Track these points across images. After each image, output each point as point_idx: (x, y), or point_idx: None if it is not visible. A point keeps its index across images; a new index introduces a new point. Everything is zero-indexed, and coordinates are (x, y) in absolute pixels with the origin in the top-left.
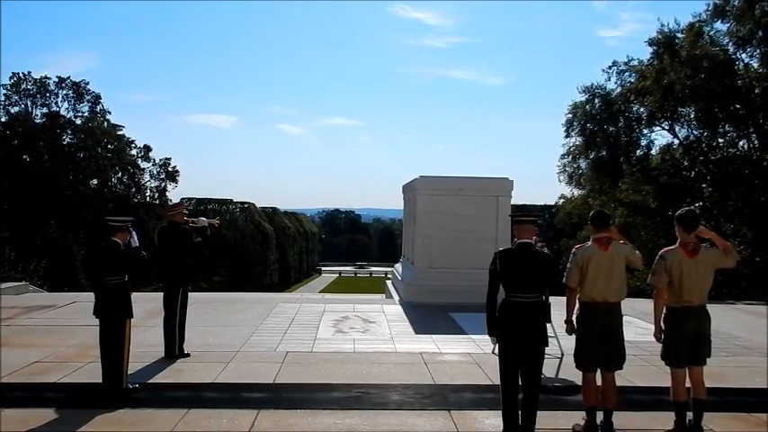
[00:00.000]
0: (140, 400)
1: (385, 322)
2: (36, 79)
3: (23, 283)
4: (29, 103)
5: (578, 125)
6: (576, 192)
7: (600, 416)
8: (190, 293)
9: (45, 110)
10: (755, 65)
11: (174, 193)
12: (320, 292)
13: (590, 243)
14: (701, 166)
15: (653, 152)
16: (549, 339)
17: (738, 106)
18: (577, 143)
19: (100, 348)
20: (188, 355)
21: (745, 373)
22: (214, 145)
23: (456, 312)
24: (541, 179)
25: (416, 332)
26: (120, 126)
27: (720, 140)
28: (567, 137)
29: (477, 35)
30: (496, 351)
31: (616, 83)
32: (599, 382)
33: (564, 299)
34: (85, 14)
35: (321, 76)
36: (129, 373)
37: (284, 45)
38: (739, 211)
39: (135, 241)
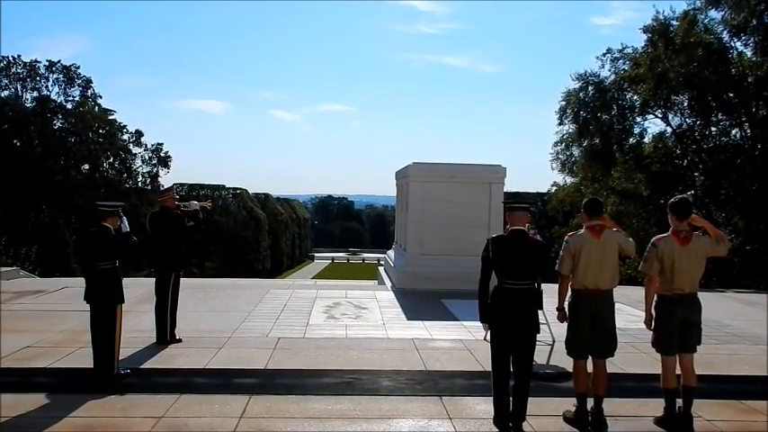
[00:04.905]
0: (131, 385)
1: (377, 308)
2: (26, 63)
3: (14, 268)
4: (19, 87)
5: (571, 113)
6: (569, 179)
7: (590, 402)
8: (181, 279)
9: (35, 94)
10: (749, 53)
11: (166, 179)
12: (313, 278)
13: (582, 231)
14: (694, 154)
15: (646, 140)
16: (541, 326)
17: (732, 95)
18: (570, 131)
19: (91, 334)
20: (179, 340)
21: (734, 360)
22: (206, 130)
23: (448, 299)
24: (534, 167)
25: (408, 318)
26: (111, 111)
27: (713, 129)
28: (560, 124)
29: (470, 21)
30: (488, 338)
31: (610, 70)
32: (590, 369)
33: (556, 286)
34: None
35: (314, 62)
36: (120, 358)
37: (277, 31)
38: (731, 199)
39: (125, 226)
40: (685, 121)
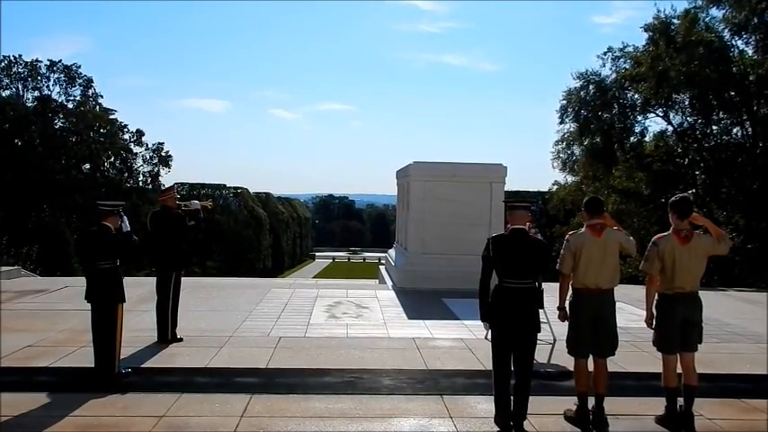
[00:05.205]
0: (133, 384)
1: (378, 308)
2: (27, 62)
3: (16, 267)
4: (20, 87)
5: (572, 112)
6: (570, 178)
7: (591, 401)
8: (182, 278)
9: (36, 93)
10: (750, 52)
11: (167, 178)
12: (314, 277)
13: (583, 230)
14: (695, 153)
15: (647, 139)
16: (542, 325)
17: (733, 93)
18: (571, 129)
19: (92, 333)
20: (180, 339)
21: (736, 359)
22: (207, 130)
23: (449, 298)
24: (535, 165)
25: (409, 317)
26: (112, 110)
27: (714, 128)
28: (561, 123)
29: (471, 20)
30: (489, 337)
31: (611, 69)
32: (591, 367)
33: (557, 285)
34: None
35: (314, 61)
36: (121, 357)
37: (277, 30)
38: (732, 198)
39: (126, 225)
40: (686, 120)
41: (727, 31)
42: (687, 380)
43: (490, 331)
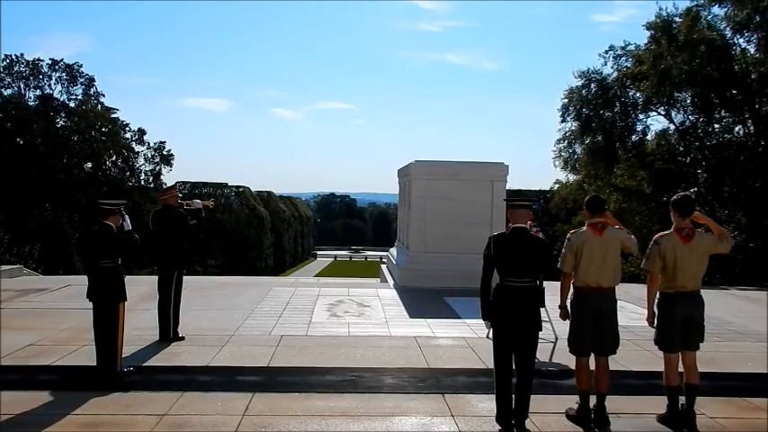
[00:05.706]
0: (134, 383)
1: (379, 306)
2: (29, 61)
3: (18, 266)
4: (22, 86)
5: (574, 110)
6: (572, 177)
7: (593, 400)
8: (184, 277)
9: (38, 92)
10: (752, 50)
11: (169, 177)
12: (315, 276)
13: (585, 228)
14: (697, 151)
15: (648, 138)
16: (543, 324)
17: (735, 92)
18: (573, 128)
19: (94, 332)
20: (182, 338)
21: (737, 358)
22: (209, 129)
23: (450, 296)
24: (537, 164)
25: (411, 316)
26: (114, 109)
27: (716, 126)
28: (562, 122)
29: (472, 19)
30: (491, 335)
31: (612, 68)
32: (592, 366)
33: (558, 284)
34: None
35: (315, 60)
36: (123, 356)
37: (279, 29)
38: (734, 196)
39: (128, 224)
40: (688, 119)
41: (728, 29)
42: (689, 378)
43: (491, 330)
